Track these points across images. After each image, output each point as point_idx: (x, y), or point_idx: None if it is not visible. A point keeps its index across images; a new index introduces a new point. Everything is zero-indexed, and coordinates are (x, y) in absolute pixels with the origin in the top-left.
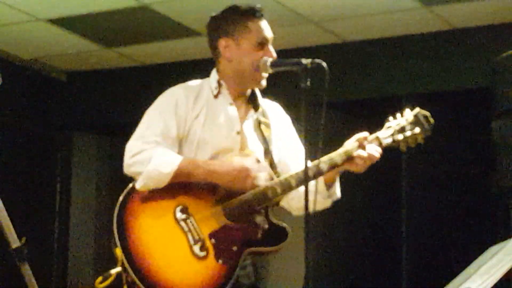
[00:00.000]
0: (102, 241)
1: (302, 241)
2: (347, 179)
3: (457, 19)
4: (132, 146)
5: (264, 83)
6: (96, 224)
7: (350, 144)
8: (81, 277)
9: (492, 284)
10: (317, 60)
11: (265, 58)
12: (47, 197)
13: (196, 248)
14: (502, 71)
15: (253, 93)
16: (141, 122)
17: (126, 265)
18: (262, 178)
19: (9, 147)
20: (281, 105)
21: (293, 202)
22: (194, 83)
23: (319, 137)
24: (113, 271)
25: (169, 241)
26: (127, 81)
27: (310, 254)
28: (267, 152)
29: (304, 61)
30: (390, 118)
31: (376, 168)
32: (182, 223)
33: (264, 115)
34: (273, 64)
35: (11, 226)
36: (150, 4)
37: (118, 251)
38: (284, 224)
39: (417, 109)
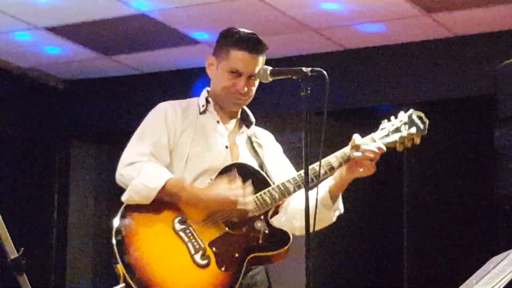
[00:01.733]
0: (100, 250)
1: (302, 248)
2: (348, 189)
3: (458, 26)
4: (125, 157)
5: (237, 108)
6: (95, 232)
7: (345, 148)
8: (79, 286)
9: None
10: (318, 68)
11: (265, 66)
12: (45, 206)
13: (197, 257)
14: (504, 79)
15: (243, 112)
16: (133, 136)
17: (129, 281)
18: (250, 204)
19: (7, 156)
20: (282, 114)
21: (296, 221)
22: (183, 100)
23: (320, 145)
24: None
25: (170, 252)
26: (125, 89)
27: (310, 262)
28: (261, 166)
29: (305, 69)
30: (385, 120)
31: (378, 174)
32: (182, 234)
33: (256, 136)
34: (273, 73)
35: (8, 236)
36: (148, 12)
37: (120, 268)
38: (285, 228)
39: (411, 110)
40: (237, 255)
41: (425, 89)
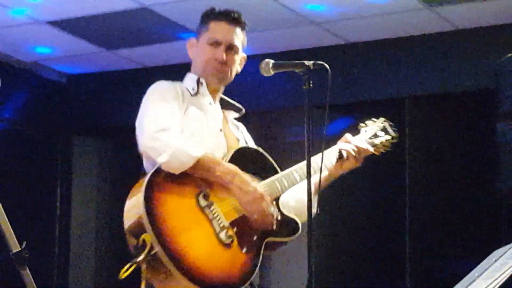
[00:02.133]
0: (103, 243)
1: (305, 244)
2: (350, 182)
3: (460, 20)
4: (158, 121)
5: (217, 81)
6: (97, 225)
7: (338, 145)
8: (82, 280)
9: None
10: (320, 62)
11: (267, 60)
12: (48, 200)
13: (222, 235)
14: (506, 73)
15: (223, 101)
16: (149, 106)
17: (159, 249)
18: (270, 212)
19: (9, 150)
20: (284, 107)
21: (293, 203)
22: (165, 82)
23: (322, 139)
24: (140, 259)
25: (196, 227)
26: (128, 84)
27: (312, 257)
28: None
29: (307, 62)
30: (362, 124)
31: (380, 170)
32: (207, 210)
33: (234, 122)
34: (275, 66)
35: (11, 230)
36: (150, 6)
37: (148, 237)
38: (294, 216)
39: (383, 119)
40: (255, 238)
41: (427, 83)
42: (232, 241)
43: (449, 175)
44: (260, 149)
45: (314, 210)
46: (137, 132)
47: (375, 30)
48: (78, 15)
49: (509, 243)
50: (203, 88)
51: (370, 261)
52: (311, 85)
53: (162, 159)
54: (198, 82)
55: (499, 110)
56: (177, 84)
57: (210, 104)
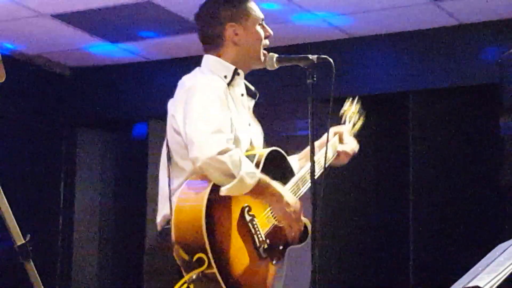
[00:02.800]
0: (106, 237)
1: (308, 244)
2: (353, 178)
3: (464, 14)
4: (216, 141)
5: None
6: (101, 219)
7: (332, 139)
8: (85, 272)
9: (499, 282)
10: (324, 56)
11: (271, 54)
12: (52, 193)
13: (261, 250)
14: (509, 67)
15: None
16: (202, 113)
17: (216, 271)
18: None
19: (13, 143)
20: (288, 100)
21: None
22: (207, 73)
23: (326, 132)
24: (194, 277)
25: (242, 244)
26: (131, 77)
27: (316, 256)
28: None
29: (311, 56)
30: (342, 111)
31: (383, 165)
32: (250, 224)
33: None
34: (280, 60)
35: (15, 223)
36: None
37: (204, 257)
38: (306, 220)
39: (357, 97)
40: (281, 247)
41: (431, 77)
42: (267, 255)
43: (452, 170)
44: (280, 150)
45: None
46: (193, 139)
47: (379, 24)
48: (81, 8)
49: None
50: (240, 79)
51: (373, 256)
52: (315, 79)
53: (223, 192)
54: (235, 72)
55: (503, 105)
56: (215, 76)
57: (242, 96)
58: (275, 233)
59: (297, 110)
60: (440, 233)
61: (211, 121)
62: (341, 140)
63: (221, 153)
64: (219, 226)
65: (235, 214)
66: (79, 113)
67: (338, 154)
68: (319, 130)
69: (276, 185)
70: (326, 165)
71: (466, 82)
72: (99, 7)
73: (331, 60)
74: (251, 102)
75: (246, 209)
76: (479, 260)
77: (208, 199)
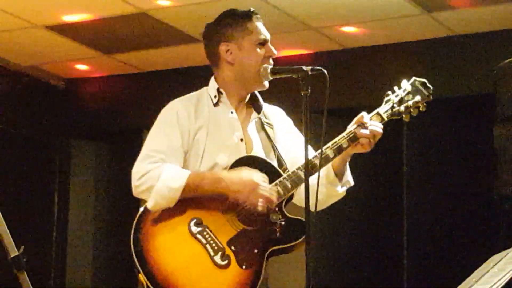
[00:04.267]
0: (100, 248)
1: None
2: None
3: (458, 25)
4: (139, 168)
5: (267, 84)
6: (95, 230)
7: (351, 126)
8: (79, 284)
9: None
10: (318, 67)
11: (265, 65)
12: (46, 204)
13: (217, 258)
14: (503, 78)
15: (252, 96)
16: (146, 141)
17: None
18: (269, 193)
19: (7, 154)
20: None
21: (299, 196)
22: (192, 94)
23: (320, 144)
24: None
25: (190, 256)
26: (125, 88)
27: (310, 259)
28: (274, 149)
29: (305, 68)
30: (389, 92)
31: (378, 173)
32: (199, 236)
33: (266, 116)
34: (273, 71)
35: (9, 234)
36: (149, 11)
37: (141, 276)
38: (300, 217)
39: (413, 78)
40: (256, 250)
41: None
42: (229, 261)
43: (447, 180)
44: (258, 156)
45: (341, 188)
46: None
47: (373, 35)
48: (76, 20)
49: (506, 247)
50: (224, 98)
51: (368, 265)
52: (309, 90)
53: (149, 206)
54: (219, 92)
55: (497, 115)
56: (191, 99)
57: (231, 113)
58: (245, 238)
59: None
60: (434, 242)
61: (145, 149)
62: (363, 125)
63: (139, 178)
64: (154, 244)
65: (180, 229)
66: (73, 124)
67: (357, 139)
68: (313, 141)
69: (211, 173)
70: (333, 156)
71: (460, 92)
72: (93, 19)
73: (325, 71)
74: (254, 114)
75: (193, 221)
76: (473, 270)
77: (139, 218)
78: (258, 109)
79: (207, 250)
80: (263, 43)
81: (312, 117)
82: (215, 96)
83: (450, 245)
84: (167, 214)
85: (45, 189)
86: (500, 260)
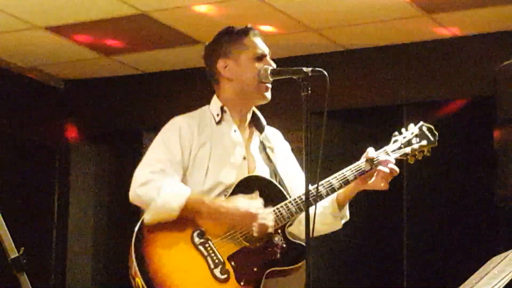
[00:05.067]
0: (100, 251)
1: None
2: None
3: (458, 27)
4: (139, 176)
5: (268, 95)
6: (95, 233)
7: (360, 161)
8: (79, 285)
9: None
10: (318, 69)
11: (265, 66)
12: (45, 206)
13: (217, 272)
14: (504, 80)
15: (254, 116)
16: (147, 152)
17: None
18: (269, 222)
19: (6, 156)
20: (282, 113)
21: (303, 227)
22: (195, 112)
23: (320, 145)
24: None
25: (189, 266)
26: (126, 89)
27: (311, 263)
28: (275, 173)
29: (305, 69)
30: (396, 132)
31: None
32: (201, 247)
33: (267, 138)
34: (273, 73)
35: (9, 236)
36: (149, 12)
37: (139, 282)
38: (301, 242)
39: (421, 122)
40: (255, 269)
41: (425, 90)
42: (228, 276)
43: (447, 182)
44: (264, 176)
45: (342, 221)
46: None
47: (373, 37)
48: (76, 21)
49: (507, 249)
50: (227, 116)
51: (367, 268)
52: (309, 91)
53: (146, 220)
54: (222, 110)
55: (497, 117)
56: (194, 117)
57: (234, 132)
58: (246, 255)
59: (291, 123)
60: (434, 245)
61: (146, 158)
62: (372, 162)
63: (139, 186)
64: (155, 250)
65: (183, 238)
66: (73, 126)
67: (366, 175)
68: (313, 143)
69: (210, 201)
70: (338, 189)
71: (461, 95)
72: (93, 20)
73: (325, 73)
74: (257, 133)
75: (197, 232)
76: (473, 272)
77: (142, 224)
78: (261, 129)
79: (207, 262)
80: (260, 58)
81: (312, 118)
82: (217, 114)
83: (450, 246)
84: (171, 223)
85: (45, 191)
86: (500, 262)
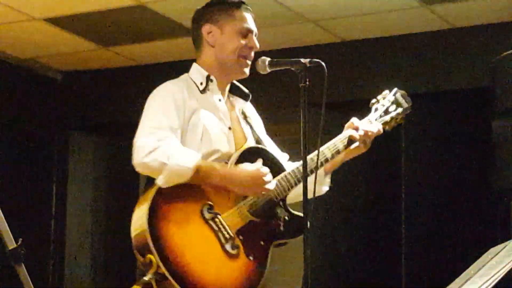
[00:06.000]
0: (98, 241)
1: (300, 240)
2: (346, 182)
3: (456, 18)
4: (146, 143)
5: (247, 71)
6: (93, 224)
7: (347, 132)
8: (77, 277)
9: (492, 286)
10: (316, 60)
11: (263, 57)
12: (43, 197)
13: (228, 247)
14: (502, 71)
15: (233, 87)
16: (144, 119)
17: (164, 270)
18: (273, 185)
19: (4, 147)
20: (280, 105)
21: (292, 194)
22: (178, 79)
23: (318, 137)
24: (147, 278)
25: (201, 242)
26: (124, 81)
27: (308, 253)
28: (259, 142)
29: (303, 60)
30: (373, 100)
31: (376, 168)
32: (211, 222)
33: (246, 110)
34: (271, 63)
35: (7, 227)
36: (147, 3)
37: (152, 257)
38: (301, 214)
39: (395, 89)
40: (262, 243)
41: (423, 81)
42: (238, 251)
43: (445, 173)
44: (265, 147)
45: (326, 187)
46: (134, 141)
47: (371, 28)
48: (74, 12)
49: (504, 241)
50: (213, 85)
51: (366, 259)
52: (307, 83)
53: (161, 182)
54: (208, 79)
55: (495, 108)
56: (181, 82)
57: (219, 101)
58: (252, 229)
59: (289, 114)
60: (432, 236)
61: (146, 126)
62: (356, 127)
63: (147, 154)
64: (168, 226)
65: (193, 213)
66: (71, 117)
67: (352, 142)
68: (312, 134)
69: (221, 167)
70: (330, 159)
71: (459, 86)
72: (92, 11)
73: (323, 64)
74: (244, 104)
75: (206, 207)
76: (471, 263)
77: (154, 200)
78: (246, 97)
79: (218, 237)
80: (245, 33)
81: (310, 110)
82: (201, 83)
83: (449, 238)
84: (180, 196)
85: (43, 182)
86: (499, 253)
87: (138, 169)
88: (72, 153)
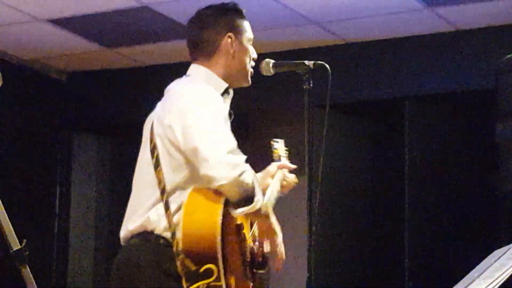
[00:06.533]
0: (101, 242)
1: (303, 243)
2: (350, 185)
3: (460, 20)
4: (237, 161)
5: (250, 80)
6: (96, 225)
7: (277, 173)
8: (81, 278)
9: None
10: (320, 62)
11: (267, 59)
12: (47, 198)
13: (247, 269)
14: (506, 73)
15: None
16: (208, 129)
17: (223, 283)
18: None
19: (9, 148)
20: (284, 107)
21: None
22: (208, 87)
23: (322, 138)
24: (199, 285)
25: (238, 260)
26: (127, 82)
27: (312, 255)
28: None
29: (307, 62)
30: (274, 145)
31: (379, 171)
32: (242, 243)
33: None
34: (276, 65)
35: (11, 228)
36: (151, 5)
37: (214, 268)
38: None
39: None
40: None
41: (427, 83)
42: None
43: (448, 176)
44: None
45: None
46: (208, 158)
47: (375, 30)
48: (78, 13)
49: (508, 243)
50: (228, 99)
51: (369, 261)
52: (311, 84)
53: (257, 206)
54: (226, 91)
55: (499, 110)
56: (211, 87)
57: (229, 115)
58: (251, 254)
59: (293, 116)
60: (435, 238)
61: (224, 139)
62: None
63: (242, 173)
64: (228, 241)
65: (235, 231)
66: (75, 118)
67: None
68: (315, 136)
69: (275, 219)
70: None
71: (462, 88)
72: (95, 12)
73: (327, 66)
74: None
75: (240, 227)
76: (475, 265)
77: (224, 214)
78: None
79: (243, 258)
80: (251, 43)
81: (314, 111)
82: (222, 94)
83: (452, 240)
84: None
85: (47, 183)
86: (502, 255)
87: (225, 183)
88: (75, 154)
